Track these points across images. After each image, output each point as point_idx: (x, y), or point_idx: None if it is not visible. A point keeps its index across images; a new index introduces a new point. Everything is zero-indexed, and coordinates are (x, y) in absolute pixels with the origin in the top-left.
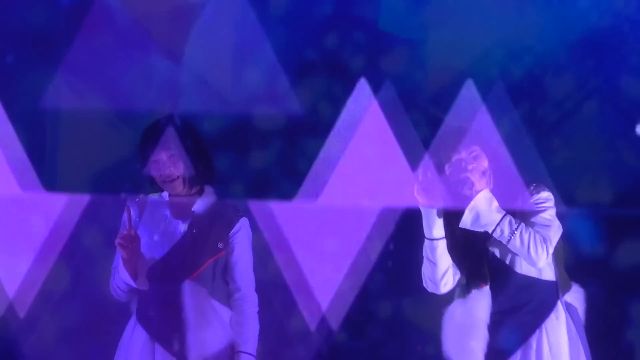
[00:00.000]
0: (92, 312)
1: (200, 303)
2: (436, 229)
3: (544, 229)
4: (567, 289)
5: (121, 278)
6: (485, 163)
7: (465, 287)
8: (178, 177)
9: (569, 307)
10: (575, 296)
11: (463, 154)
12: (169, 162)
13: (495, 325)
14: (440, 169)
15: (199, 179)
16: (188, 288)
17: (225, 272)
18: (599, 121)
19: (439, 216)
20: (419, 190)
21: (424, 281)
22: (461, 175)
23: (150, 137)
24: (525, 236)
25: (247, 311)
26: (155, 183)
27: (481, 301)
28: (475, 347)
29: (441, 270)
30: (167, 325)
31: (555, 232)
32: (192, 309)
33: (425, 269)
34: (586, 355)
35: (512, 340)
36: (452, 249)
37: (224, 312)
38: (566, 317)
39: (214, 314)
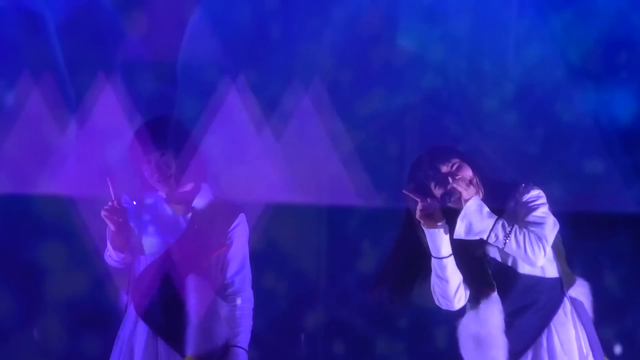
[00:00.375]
0: None
1: (204, 298)
2: (444, 247)
3: (538, 227)
4: (571, 283)
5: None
6: (469, 172)
7: (474, 297)
8: (171, 175)
9: (574, 302)
10: (580, 290)
11: (444, 169)
12: (161, 161)
13: (507, 330)
14: (424, 189)
15: (192, 177)
16: (192, 283)
17: (223, 267)
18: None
19: (444, 233)
20: (421, 215)
21: (435, 299)
22: (447, 187)
23: (143, 137)
24: (520, 237)
25: (240, 306)
26: (147, 183)
27: (493, 309)
28: (497, 355)
29: (453, 286)
30: (171, 320)
31: (551, 229)
32: (195, 303)
33: (436, 287)
34: (597, 348)
35: (523, 341)
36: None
37: (225, 307)
38: (572, 312)
39: (216, 309)
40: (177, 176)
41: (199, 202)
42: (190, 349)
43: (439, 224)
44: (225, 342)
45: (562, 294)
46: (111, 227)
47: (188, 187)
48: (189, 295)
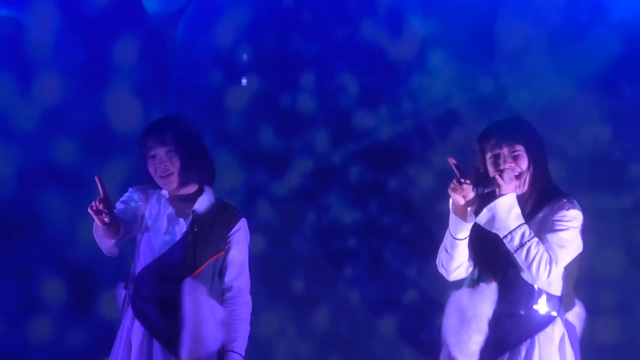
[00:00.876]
0: None
1: (200, 301)
2: (461, 232)
3: (556, 248)
4: (570, 306)
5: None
6: (524, 165)
7: (476, 277)
8: (173, 172)
9: (568, 325)
10: (576, 315)
11: (505, 150)
12: (166, 157)
13: (492, 322)
14: (482, 154)
15: (196, 178)
16: (188, 286)
17: (222, 271)
18: None
19: (466, 223)
20: (456, 197)
21: (437, 262)
22: (494, 173)
23: (151, 133)
24: (533, 252)
25: (237, 311)
26: (152, 180)
27: (487, 296)
28: (474, 339)
29: (456, 264)
30: (167, 322)
31: (568, 254)
32: (190, 306)
33: (442, 255)
34: None
35: (502, 341)
36: (471, 237)
37: (221, 311)
38: (563, 335)
39: (212, 313)
40: (180, 174)
41: (200, 205)
42: (185, 352)
43: (467, 212)
44: (221, 346)
45: (557, 312)
46: (97, 222)
47: (191, 188)
48: (186, 298)
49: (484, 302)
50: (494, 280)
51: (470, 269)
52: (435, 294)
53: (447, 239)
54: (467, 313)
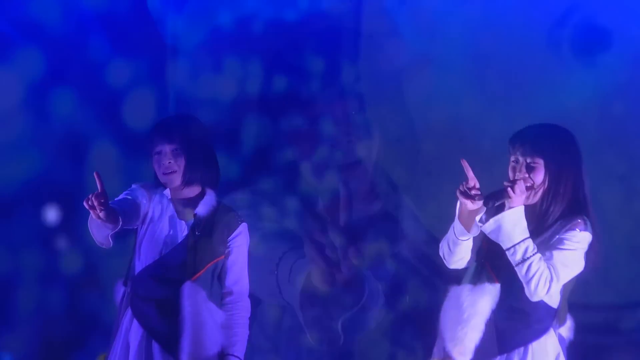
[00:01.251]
0: None
1: (199, 305)
2: (465, 236)
3: (560, 267)
4: (563, 321)
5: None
6: (538, 179)
7: (480, 276)
8: (176, 171)
9: (562, 342)
10: (567, 329)
11: (525, 159)
12: (171, 155)
13: (489, 323)
14: (509, 155)
15: (200, 179)
16: (187, 290)
17: (221, 275)
18: None
19: (468, 233)
20: (463, 200)
21: (440, 249)
22: (505, 182)
23: (159, 130)
24: (534, 269)
25: (237, 315)
26: (157, 179)
27: (490, 295)
28: (469, 336)
29: (456, 258)
30: (166, 325)
31: (570, 273)
32: (190, 310)
33: (444, 248)
34: None
35: (499, 345)
36: (479, 236)
37: (220, 315)
38: (558, 354)
39: (211, 317)
40: (184, 174)
41: (202, 209)
42: (185, 355)
43: (473, 221)
44: (220, 350)
45: (551, 325)
46: (93, 215)
47: (194, 191)
48: (185, 302)
49: (485, 301)
50: (497, 282)
51: (469, 264)
52: None
53: (450, 235)
54: (466, 309)
